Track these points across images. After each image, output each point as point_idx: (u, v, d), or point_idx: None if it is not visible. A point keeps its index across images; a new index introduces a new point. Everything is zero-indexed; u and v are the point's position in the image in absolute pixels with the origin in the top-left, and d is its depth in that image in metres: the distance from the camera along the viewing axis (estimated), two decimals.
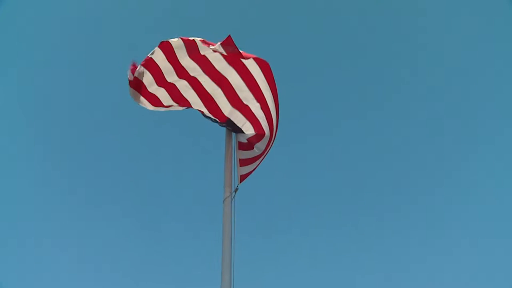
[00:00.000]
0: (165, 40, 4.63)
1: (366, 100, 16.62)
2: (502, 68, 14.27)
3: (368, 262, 13.25)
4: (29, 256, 12.12)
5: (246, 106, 4.89)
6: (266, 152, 5.15)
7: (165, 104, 4.87)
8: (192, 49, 4.55)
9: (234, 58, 4.57)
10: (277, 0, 17.30)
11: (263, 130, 4.91)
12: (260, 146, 5.08)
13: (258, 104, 4.77)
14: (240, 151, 5.20)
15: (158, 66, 4.68)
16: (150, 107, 4.84)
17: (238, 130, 5.13)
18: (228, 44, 4.24)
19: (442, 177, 14.77)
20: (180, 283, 12.47)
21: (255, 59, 4.56)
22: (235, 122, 5.03)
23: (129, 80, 4.64)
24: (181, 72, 4.78)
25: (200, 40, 4.46)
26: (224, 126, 5.15)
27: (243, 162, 5.25)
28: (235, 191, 5.17)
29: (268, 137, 4.95)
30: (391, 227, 14.37)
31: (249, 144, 5.16)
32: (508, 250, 11.64)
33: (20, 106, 14.26)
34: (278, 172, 14.55)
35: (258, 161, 5.20)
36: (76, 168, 14.74)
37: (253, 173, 5.37)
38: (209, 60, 4.67)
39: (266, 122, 4.82)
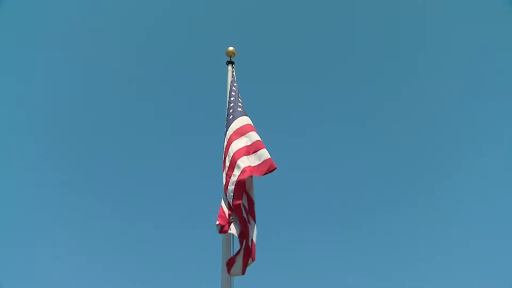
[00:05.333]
0: None
1: (369, 100, 16.69)
2: (502, 68, 14.30)
3: (368, 263, 13.28)
4: (29, 256, 12.15)
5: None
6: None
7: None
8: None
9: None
10: (275, 0, 17.38)
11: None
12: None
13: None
14: None
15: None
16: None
17: None
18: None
19: (443, 177, 14.83)
20: (181, 281, 12.51)
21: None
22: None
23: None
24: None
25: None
26: None
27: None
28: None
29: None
30: (390, 227, 14.43)
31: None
32: (508, 250, 11.66)
33: (20, 105, 14.30)
34: (279, 171, 14.49)
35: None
36: (75, 168, 14.78)
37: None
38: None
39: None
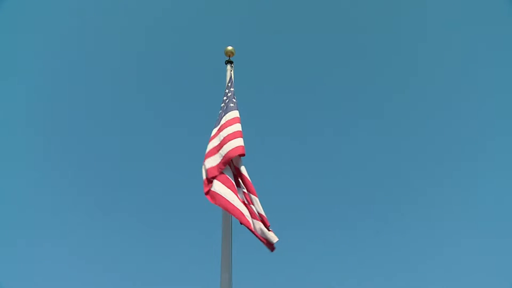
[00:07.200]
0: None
1: (367, 102, 16.70)
2: (501, 68, 14.30)
3: (369, 262, 13.29)
4: (29, 256, 12.16)
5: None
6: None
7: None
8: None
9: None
10: (280, 2, 17.39)
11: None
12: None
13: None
14: None
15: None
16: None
17: None
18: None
19: (442, 177, 14.83)
20: (181, 282, 12.52)
21: None
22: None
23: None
24: None
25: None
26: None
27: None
28: None
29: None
30: (389, 227, 14.43)
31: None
32: (508, 250, 11.66)
33: (20, 106, 14.31)
34: (279, 171, 14.55)
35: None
36: (77, 169, 14.80)
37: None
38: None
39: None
